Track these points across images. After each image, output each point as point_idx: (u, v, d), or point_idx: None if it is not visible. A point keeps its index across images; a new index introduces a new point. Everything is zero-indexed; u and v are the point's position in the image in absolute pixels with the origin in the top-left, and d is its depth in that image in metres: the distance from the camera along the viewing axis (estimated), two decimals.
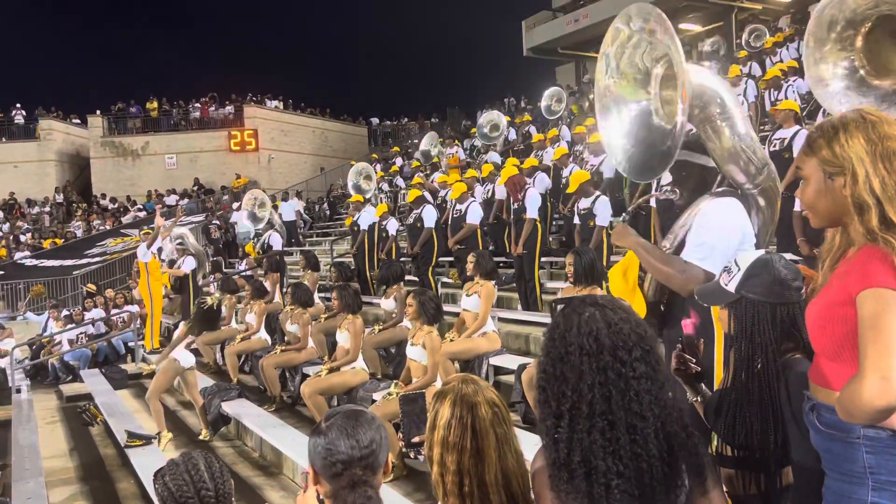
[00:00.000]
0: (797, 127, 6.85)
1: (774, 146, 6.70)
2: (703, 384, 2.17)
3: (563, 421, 1.41)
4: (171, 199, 23.28)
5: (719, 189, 2.66)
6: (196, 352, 7.75)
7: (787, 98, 8.88)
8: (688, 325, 2.51)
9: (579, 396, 1.39)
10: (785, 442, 1.86)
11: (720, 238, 2.47)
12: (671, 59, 2.50)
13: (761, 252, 2.06)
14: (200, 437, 6.45)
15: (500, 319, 7.05)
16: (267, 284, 8.91)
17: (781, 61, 11.43)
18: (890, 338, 1.41)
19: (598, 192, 7.52)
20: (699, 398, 2.15)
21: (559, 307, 1.52)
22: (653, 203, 6.15)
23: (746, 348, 1.92)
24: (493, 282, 6.22)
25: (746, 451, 1.92)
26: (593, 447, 1.37)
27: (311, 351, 7.01)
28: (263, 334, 8.06)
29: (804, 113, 7.68)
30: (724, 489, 2.03)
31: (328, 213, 20.05)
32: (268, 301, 8.58)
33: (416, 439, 2.17)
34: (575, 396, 1.40)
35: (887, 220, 1.49)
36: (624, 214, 3.00)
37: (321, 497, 1.73)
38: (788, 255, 4.57)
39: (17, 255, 19.64)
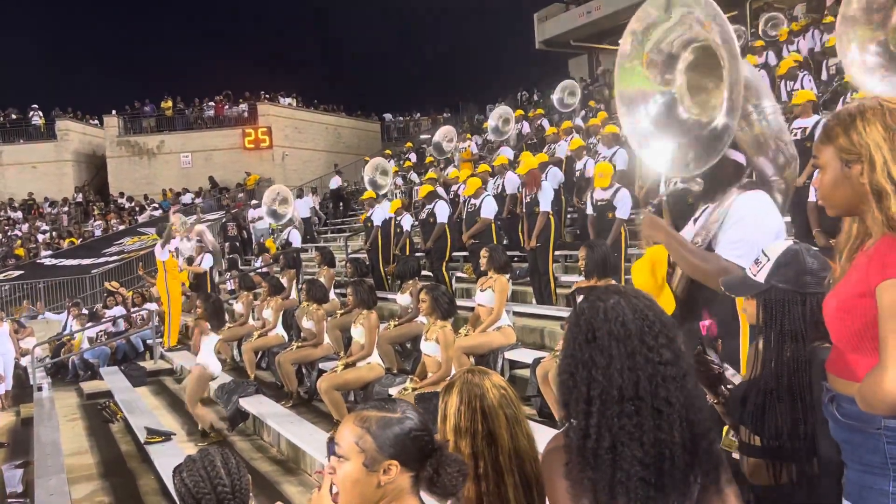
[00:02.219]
0: (817, 116, 6.79)
1: (795, 135, 6.66)
2: (723, 386, 2.11)
3: (594, 406, 1.40)
4: (186, 198, 23.44)
5: (744, 181, 2.52)
6: None
7: (803, 88, 8.78)
8: (704, 326, 2.46)
9: (609, 381, 1.39)
10: (814, 431, 1.84)
11: (757, 234, 2.34)
12: (721, 52, 2.27)
13: (789, 242, 2.03)
14: (212, 436, 6.49)
15: (515, 313, 7.05)
16: (283, 281, 8.95)
17: (798, 51, 11.28)
18: None
19: (618, 184, 7.35)
20: (720, 399, 2.10)
21: (581, 296, 1.53)
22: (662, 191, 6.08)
23: (776, 338, 1.90)
24: (507, 276, 6.20)
25: (776, 440, 1.90)
26: (621, 433, 1.37)
27: (327, 347, 7.05)
28: (280, 331, 8.11)
29: (821, 101, 7.61)
30: (752, 481, 2.00)
31: (342, 209, 20.10)
32: (284, 297, 8.62)
33: None
34: (605, 381, 1.39)
35: None
36: (650, 206, 2.81)
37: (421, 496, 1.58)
38: None
39: (41, 255, 19.89)
